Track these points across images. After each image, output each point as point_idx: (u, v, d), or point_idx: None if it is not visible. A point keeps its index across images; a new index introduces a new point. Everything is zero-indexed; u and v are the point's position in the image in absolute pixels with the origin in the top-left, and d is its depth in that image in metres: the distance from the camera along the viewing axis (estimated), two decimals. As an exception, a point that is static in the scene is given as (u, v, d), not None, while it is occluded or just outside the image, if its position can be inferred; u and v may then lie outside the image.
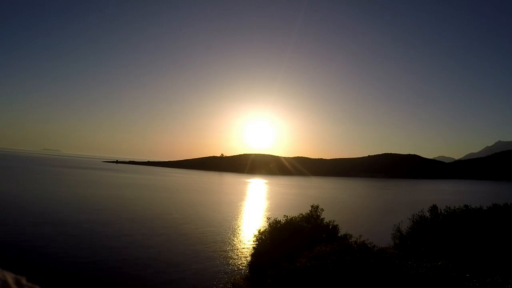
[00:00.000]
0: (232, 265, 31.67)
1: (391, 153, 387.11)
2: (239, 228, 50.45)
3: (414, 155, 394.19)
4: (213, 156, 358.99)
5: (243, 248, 37.46)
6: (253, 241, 24.87)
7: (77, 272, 27.55)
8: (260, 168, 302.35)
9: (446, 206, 28.12)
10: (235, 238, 42.94)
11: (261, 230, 24.47)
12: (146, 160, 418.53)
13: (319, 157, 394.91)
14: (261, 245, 23.77)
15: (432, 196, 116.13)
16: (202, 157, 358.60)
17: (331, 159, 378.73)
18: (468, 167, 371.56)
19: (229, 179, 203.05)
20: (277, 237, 22.90)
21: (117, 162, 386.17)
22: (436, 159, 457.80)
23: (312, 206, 25.54)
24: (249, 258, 26.92)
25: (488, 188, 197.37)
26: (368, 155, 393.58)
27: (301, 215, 25.01)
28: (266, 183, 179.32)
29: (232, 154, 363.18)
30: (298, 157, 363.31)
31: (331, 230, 24.80)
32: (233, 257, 34.25)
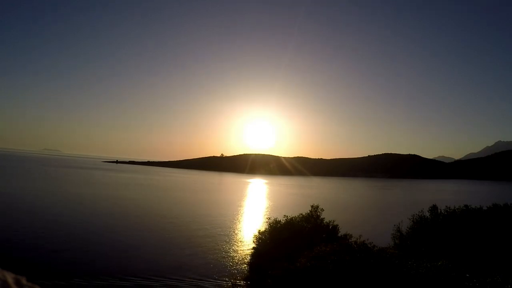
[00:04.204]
0: (232, 265, 31.68)
1: (391, 153, 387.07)
2: (239, 228, 50.48)
3: (414, 155, 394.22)
4: (213, 156, 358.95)
5: (243, 248, 37.47)
6: (253, 241, 24.83)
7: (77, 272, 27.56)
8: (260, 168, 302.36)
9: (446, 206, 28.09)
10: (235, 238, 42.96)
11: (261, 230, 24.45)
12: (146, 160, 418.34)
13: (319, 157, 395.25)
14: (261, 245, 23.75)
15: (432, 196, 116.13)
16: (202, 157, 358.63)
17: (331, 159, 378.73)
18: (468, 167, 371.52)
19: (229, 179, 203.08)
20: (277, 237, 22.88)
21: (117, 162, 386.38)
22: (436, 159, 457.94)
23: (312, 206, 25.52)
24: (249, 258, 26.89)
25: (488, 188, 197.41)
26: (368, 155, 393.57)
27: (301, 215, 24.98)
28: (266, 183, 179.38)
29: (232, 154, 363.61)
30: (298, 157, 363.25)
31: (331, 230, 24.78)
32: (233, 257, 34.26)
